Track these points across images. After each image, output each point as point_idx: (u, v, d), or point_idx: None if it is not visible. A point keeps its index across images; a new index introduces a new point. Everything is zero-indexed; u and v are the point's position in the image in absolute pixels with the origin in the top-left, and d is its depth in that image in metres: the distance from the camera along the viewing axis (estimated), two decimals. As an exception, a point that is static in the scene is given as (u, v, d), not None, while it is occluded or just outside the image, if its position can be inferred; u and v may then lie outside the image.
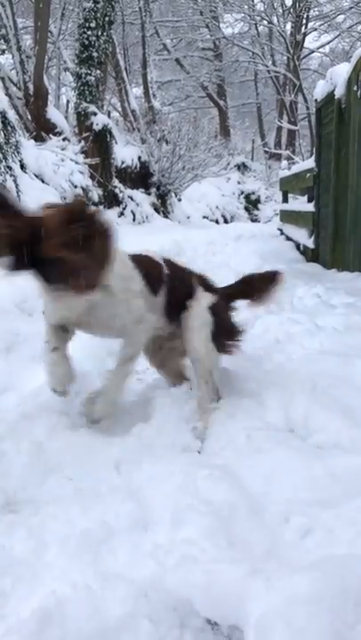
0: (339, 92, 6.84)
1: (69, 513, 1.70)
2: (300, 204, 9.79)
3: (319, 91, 7.91)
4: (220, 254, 8.11)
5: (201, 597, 1.33)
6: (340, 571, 1.28)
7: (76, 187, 10.09)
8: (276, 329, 3.60)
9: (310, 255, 8.17)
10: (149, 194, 14.01)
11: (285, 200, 11.92)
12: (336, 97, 6.89)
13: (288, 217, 10.62)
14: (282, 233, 10.84)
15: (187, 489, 1.73)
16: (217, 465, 1.89)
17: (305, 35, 24.92)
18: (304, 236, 8.64)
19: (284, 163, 13.27)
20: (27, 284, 3.86)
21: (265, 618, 1.18)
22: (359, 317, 3.74)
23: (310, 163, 8.74)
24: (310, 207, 8.42)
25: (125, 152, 13.58)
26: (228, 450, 2.04)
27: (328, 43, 26.68)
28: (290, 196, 11.69)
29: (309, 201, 8.70)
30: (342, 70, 6.90)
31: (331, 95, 7.16)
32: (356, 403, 2.35)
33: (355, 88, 6.31)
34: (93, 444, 2.14)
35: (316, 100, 8.21)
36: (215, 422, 2.22)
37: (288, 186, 11.26)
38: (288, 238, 10.12)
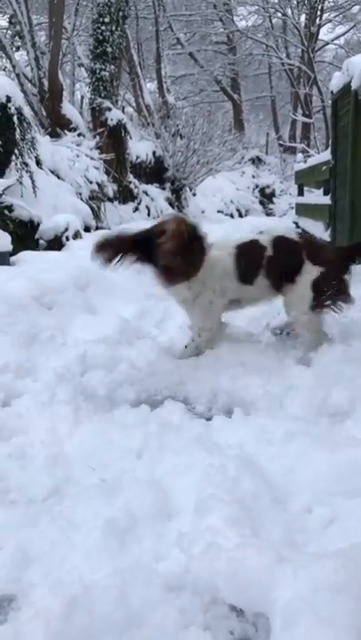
0: (356, 83, 6.78)
1: (94, 503, 1.72)
2: (316, 196, 9.73)
3: (335, 82, 7.84)
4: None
5: (226, 585, 1.34)
6: (366, 558, 1.28)
7: (91, 182, 10.11)
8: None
9: (327, 248, 8.12)
10: (164, 188, 13.99)
11: (301, 193, 11.85)
12: (353, 88, 6.83)
13: (304, 210, 10.57)
14: (298, 226, 10.78)
15: (209, 478, 1.74)
16: (239, 455, 1.89)
17: (319, 26, 24.66)
18: (320, 229, 8.59)
19: (300, 156, 13.18)
20: (44, 278, 3.90)
21: (291, 604, 1.19)
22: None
23: (326, 155, 8.68)
24: (326, 200, 8.36)
25: (140, 147, 13.57)
26: (250, 440, 2.04)
27: (343, 34, 26.40)
28: (306, 189, 11.62)
29: (325, 194, 8.65)
30: (359, 61, 6.84)
31: (347, 86, 7.09)
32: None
33: (372, 79, 6.25)
34: (114, 433, 2.16)
35: (332, 91, 8.14)
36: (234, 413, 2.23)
37: (304, 179, 11.19)
38: (304, 231, 10.07)
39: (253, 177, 20.87)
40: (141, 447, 2.08)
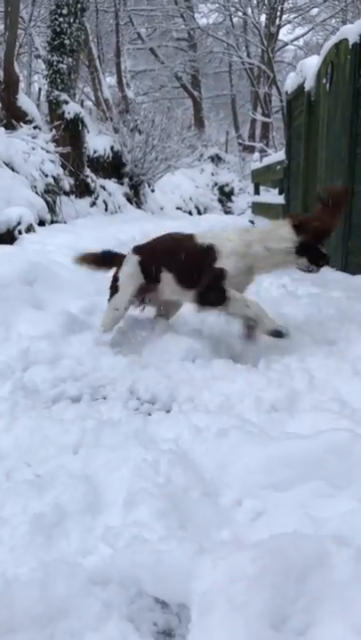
0: (309, 84, 6.91)
1: (24, 498, 1.71)
2: (272, 196, 9.87)
3: (290, 83, 7.97)
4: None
5: (149, 577, 1.36)
6: (284, 549, 1.31)
7: (46, 176, 9.98)
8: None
9: (280, 247, 8.25)
10: (122, 184, 13.93)
11: (257, 192, 12.00)
12: (306, 89, 6.96)
13: (259, 209, 10.70)
14: (254, 225, 10.91)
15: (141, 473, 1.75)
16: (173, 450, 1.92)
17: (279, 27, 24.93)
18: (274, 228, 8.72)
19: (256, 155, 13.33)
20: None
21: (207, 594, 1.21)
22: (320, 307, 3.80)
23: (281, 155, 8.81)
24: (281, 199, 8.49)
25: (98, 141, 13.46)
26: (185, 435, 2.06)
27: (302, 36, 26.74)
28: (262, 188, 11.77)
29: (280, 193, 8.78)
30: (312, 63, 6.97)
31: (301, 88, 7.22)
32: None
33: (324, 81, 6.37)
34: (52, 428, 2.15)
35: (286, 92, 8.27)
36: (172, 409, 2.25)
37: (259, 178, 11.33)
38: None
39: (213, 175, 20.98)
40: (78, 443, 2.08)
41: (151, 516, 1.56)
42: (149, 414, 2.41)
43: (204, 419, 2.17)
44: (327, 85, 6.24)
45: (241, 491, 1.79)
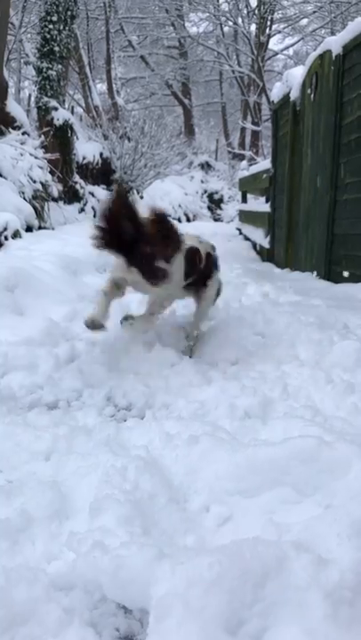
0: (294, 94, 6.98)
1: (-8, 504, 1.72)
2: (258, 204, 9.93)
3: (276, 92, 8.04)
4: (177, 252, 8.15)
5: (110, 582, 1.37)
6: (242, 554, 1.33)
7: (35, 182, 9.98)
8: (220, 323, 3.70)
9: (266, 255, 8.30)
10: (111, 190, 13.96)
11: (245, 200, 12.07)
12: (291, 99, 7.02)
13: (246, 217, 10.76)
14: (241, 233, 10.97)
15: (108, 479, 1.77)
16: (142, 457, 1.93)
17: (269, 36, 25.17)
18: (261, 237, 8.78)
19: (244, 163, 13.40)
20: (11, 262, 3.84)
21: (164, 599, 1.23)
22: (300, 315, 3.83)
23: (267, 164, 8.87)
24: (267, 208, 8.55)
25: (87, 148, 13.50)
26: (156, 441, 2.08)
27: (292, 45, 27.01)
28: (251, 196, 11.85)
29: (267, 201, 8.84)
30: (297, 73, 7.04)
31: (286, 97, 7.29)
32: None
33: (308, 91, 6.44)
34: (25, 435, 2.16)
35: (273, 101, 8.34)
36: (146, 416, 2.27)
37: (247, 186, 11.40)
38: (247, 238, 10.26)
39: (202, 182, 21.09)
40: (50, 449, 2.09)
41: (115, 522, 1.57)
42: (124, 421, 2.42)
43: (176, 425, 2.19)
44: (312, 96, 6.31)
45: (209, 497, 1.81)
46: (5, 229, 6.97)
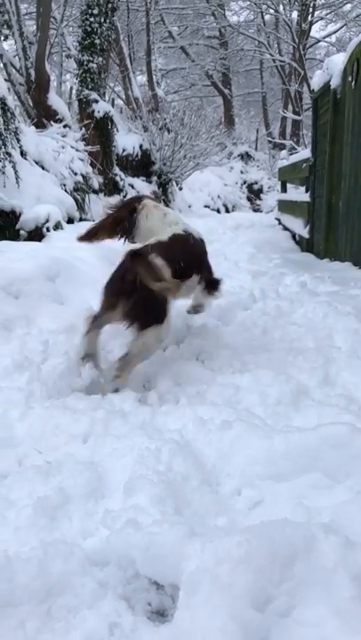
0: (334, 82, 6.87)
1: (31, 482, 1.79)
2: (297, 193, 9.82)
3: (316, 81, 7.92)
4: (216, 243, 8.16)
5: (142, 558, 1.42)
6: (271, 534, 1.36)
7: (76, 174, 10.12)
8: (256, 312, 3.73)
9: (305, 245, 8.22)
10: (150, 182, 14.03)
11: (284, 190, 11.94)
12: (332, 87, 6.92)
13: (285, 207, 10.66)
14: (280, 223, 10.88)
15: (143, 461, 1.82)
16: (176, 440, 1.97)
17: (311, 24, 24.67)
18: (300, 226, 8.69)
19: (283, 152, 13.25)
20: (13, 268, 3.95)
21: (194, 575, 1.27)
22: (337, 305, 3.81)
23: (307, 153, 8.76)
24: (306, 197, 8.45)
25: (127, 140, 13.59)
26: (190, 426, 2.12)
27: (335, 32, 26.42)
28: (291, 185, 11.72)
29: (307, 191, 8.74)
30: (338, 60, 6.92)
31: (327, 85, 7.18)
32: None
33: (349, 79, 6.33)
34: (63, 418, 2.23)
35: (313, 90, 8.23)
36: (180, 401, 2.31)
37: (286, 175, 11.29)
38: (285, 228, 10.17)
39: (242, 172, 20.95)
40: (88, 432, 2.16)
41: (148, 502, 1.62)
42: (158, 406, 2.47)
43: (209, 411, 2.23)
44: (353, 83, 6.20)
45: (241, 480, 1.84)
46: (47, 221, 7.10)
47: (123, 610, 1.38)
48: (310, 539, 1.38)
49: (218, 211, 17.17)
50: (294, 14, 24.38)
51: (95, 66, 12.36)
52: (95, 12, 12.09)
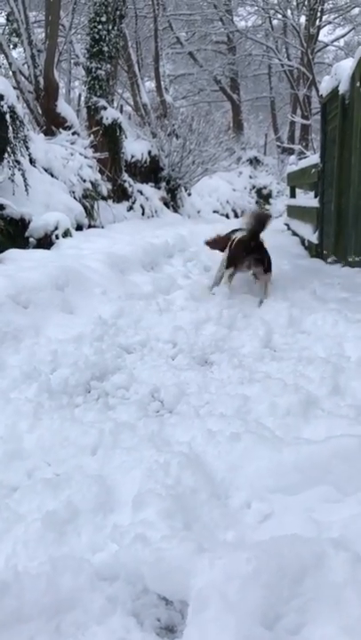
0: (343, 87, 6.85)
1: (40, 496, 1.79)
2: (306, 199, 9.80)
3: (324, 86, 7.91)
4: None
5: (151, 574, 1.41)
6: (280, 550, 1.36)
7: (85, 181, 10.16)
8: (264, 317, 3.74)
9: (314, 251, 8.20)
10: (159, 188, 14.05)
11: (293, 195, 11.92)
12: (340, 92, 6.90)
13: (294, 212, 10.64)
14: (288, 228, 10.86)
15: (152, 474, 1.82)
16: (185, 453, 1.97)
17: (319, 28, 24.66)
18: (309, 232, 8.67)
19: (292, 157, 13.25)
20: (23, 277, 3.97)
21: (203, 592, 1.26)
22: (346, 312, 3.79)
23: (316, 158, 8.75)
24: (315, 203, 8.43)
25: (135, 146, 13.62)
26: (199, 438, 2.11)
27: (343, 36, 26.38)
28: (300, 191, 11.69)
29: (316, 196, 8.72)
30: (346, 66, 6.90)
31: (335, 90, 7.17)
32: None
33: (358, 84, 6.32)
34: (72, 430, 2.23)
35: (321, 95, 8.22)
36: (189, 413, 2.31)
37: (295, 181, 11.27)
38: (294, 233, 10.15)
39: (251, 177, 20.95)
40: (96, 444, 2.15)
41: (157, 516, 1.61)
42: (167, 417, 2.46)
43: (218, 422, 2.22)
44: (361, 88, 6.19)
45: (250, 493, 1.83)
46: (56, 228, 7.13)
47: (132, 626, 1.37)
48: (320, 554, 1.37)
49: (227, 216, 17.17)
50: (302, 19, 24.37)
51: (103, 73, 12.41)
52: (103, 19, 12.14)
